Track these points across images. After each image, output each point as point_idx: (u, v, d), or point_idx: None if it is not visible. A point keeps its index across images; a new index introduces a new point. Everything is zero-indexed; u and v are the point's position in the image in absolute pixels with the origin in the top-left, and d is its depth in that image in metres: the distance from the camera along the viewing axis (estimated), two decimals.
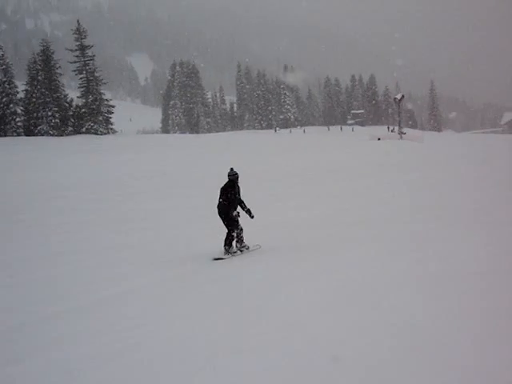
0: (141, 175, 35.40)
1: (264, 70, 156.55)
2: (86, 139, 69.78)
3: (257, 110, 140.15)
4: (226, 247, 12.17)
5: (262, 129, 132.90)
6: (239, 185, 12.50)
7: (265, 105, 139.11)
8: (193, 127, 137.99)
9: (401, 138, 77.38)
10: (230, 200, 12.04)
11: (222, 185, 12.32)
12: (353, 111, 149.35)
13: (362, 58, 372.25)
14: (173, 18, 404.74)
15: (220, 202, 12.13)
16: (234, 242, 12.44)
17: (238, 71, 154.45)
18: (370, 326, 6.65)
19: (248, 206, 12.66)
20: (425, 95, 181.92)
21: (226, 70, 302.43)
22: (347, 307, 7.59)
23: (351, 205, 20.34)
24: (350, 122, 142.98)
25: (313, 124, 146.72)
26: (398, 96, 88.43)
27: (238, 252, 12.45)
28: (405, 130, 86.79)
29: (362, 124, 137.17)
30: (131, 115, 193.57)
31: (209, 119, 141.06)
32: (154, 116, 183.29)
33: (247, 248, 12.65)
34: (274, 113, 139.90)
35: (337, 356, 5.77)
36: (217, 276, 10.68)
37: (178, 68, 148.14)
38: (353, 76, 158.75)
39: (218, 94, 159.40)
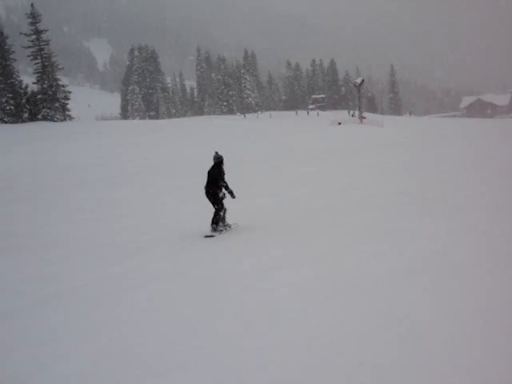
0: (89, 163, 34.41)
1: (224, 55, 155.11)
2: (38, 126, 67.97)
3: (217, 95, 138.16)
4: (214, 225, 13.08)
5: (222, 114, 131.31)
6: (224, 168, 13.23)
7: (225, 90, 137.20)
8: (152, 113, 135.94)
9: (361, 122, 77.13)
10: (215, 181, 12.84)
11: (209, 168, 13.09)
12: (313, 96, 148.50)
13: (324, 44, 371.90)
14: (132, 1, 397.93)
15: (207, 184, 12.88)
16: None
17: (198, 56, 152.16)
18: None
19: (231, 187, 13.31)
20: (385, 80, 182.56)
21: (186, 55, 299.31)
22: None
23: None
24: (310, 106, 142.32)
25: (274, 109, 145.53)
26: (358, 80, 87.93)
27: (224, 230, 13.29)
28: (365, 114, 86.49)
29: (323, 109, 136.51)
30: (90, 101, 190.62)
31: (168, 104, 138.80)
32: (113, 102, 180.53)
33: (230, 226, 13.58)
34: (234, 98, 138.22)
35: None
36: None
37: (136, 53, 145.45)
38: (313, 60, 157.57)
39: (177, 79, 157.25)
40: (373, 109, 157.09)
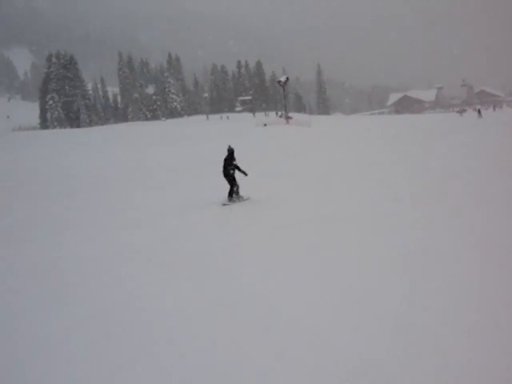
0: None
1: (147, 58, 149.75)
2: None
3: (141, 101, 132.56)
4: (229, 197, 17.13)
5: (147, 120, 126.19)
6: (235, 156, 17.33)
7: (148, 95, 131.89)
8: (73, 121, 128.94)
9: (287, 122, 73.75)
10: (229, 166, 16.95)
11: (224, 156, 17.14)
12: (240, 98, 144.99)
13: (251, 45, 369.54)
14: (54, 9, 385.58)
15: (224, 168, 16.99)
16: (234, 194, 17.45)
17: (120, 61, 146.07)
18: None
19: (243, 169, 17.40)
20: (313, 80, 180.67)
21: (112, 62, 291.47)
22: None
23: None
24: (238, 109, 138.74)
25: (200, 113, 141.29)
26: (283, 79, 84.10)
27: (237, 201, 17.25)
28: (291, 114, 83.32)
29: (250, 110, 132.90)
30: (10, 112, 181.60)
31: (90, 112, 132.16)
32: (33, 112, 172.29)
33: (241, 198, 17.51)
34: (159, 103, 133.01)
35: None
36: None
37: (54, 59, 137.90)
38: (239, 62, 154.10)
39: (99, 86, 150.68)
40: (301, 109, 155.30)
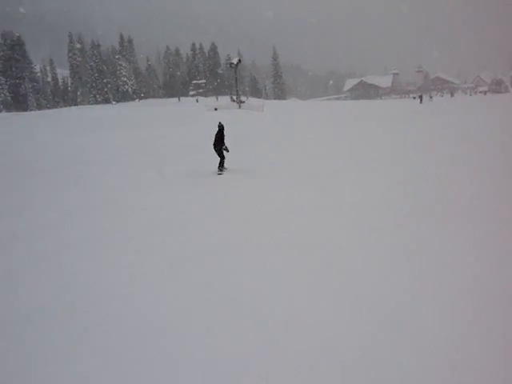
0: None
1: (98, 40, 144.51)
2: None
3: (91, 84, 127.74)
4: (220, 167, 20.05)
5: (97, 103, 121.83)
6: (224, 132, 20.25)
7: (99, 77, 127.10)
8: (20, 105, 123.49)
9: (239, 107, 71.20)
10: (219, 140, 19.99)
11: (216, 132, 20.09)
12: (194, 82, 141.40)
13: (206, 29, 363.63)
14: None
15: (214, 142, 20.06)
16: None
17: (70, 42, 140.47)
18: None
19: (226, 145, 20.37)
20: (269, 64, 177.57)
21: (63, 45, 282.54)
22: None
23: None
24: (191, 93, 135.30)
25: (153, 96, 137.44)
26: (234, 61, 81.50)
27: (225, 170, 20.18)
28: (244, 98, 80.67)
29: (204, 95, 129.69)
30: None
31: (39, 95, 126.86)
32: None
33: (226, 169, 20.31)
34: (109, 85, 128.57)
35: None
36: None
37: (0, 40, 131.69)
38: (193, 44, 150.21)
39: (48, 68, 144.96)
40: (257, 94, 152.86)
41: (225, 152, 20.16)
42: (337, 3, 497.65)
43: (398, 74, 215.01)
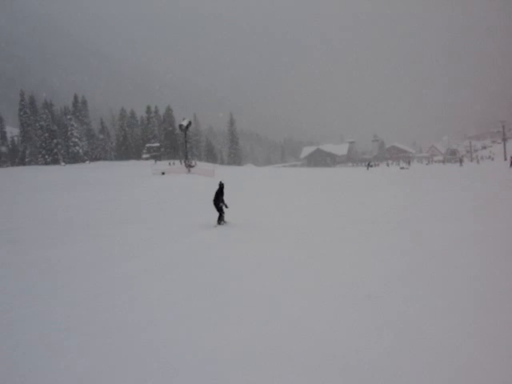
0: None
1: (51, 99, 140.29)
2: None
3: (40, 144, 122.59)
4: (219, 221, 22.65)
5: (46, 164, 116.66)
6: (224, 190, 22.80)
7: (49, 137, 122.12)
8: None
9: (189, 171, 67.20)
10: (219, 198, 22.32)
11: (216, 190, 22.61)
12: (148, 145, 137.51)
13: (161, 91, 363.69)
14: None
15: (214, 199, 22.39)
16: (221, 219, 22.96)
17: (22, 100, 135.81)
18: None
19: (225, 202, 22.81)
20: (225, 130, 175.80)
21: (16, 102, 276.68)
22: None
23: None
24: (145, 156, 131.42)
25: (105, 158, 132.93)
26: (184, 122, 77.79)
27: (223, 223, 22.76)
28: (194, 162, 76.96)
29: (158, 158, 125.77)
30: None
31: None
32: None
33: (225, 222, 22.90)
34: (59, 146, 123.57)
35: None
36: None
37: None
38: (148, 107, 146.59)
39: None
40: (213, 159, 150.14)
41: (223, 207, 22.78)
42: (294, 70, 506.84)
43: (354, 142, 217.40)
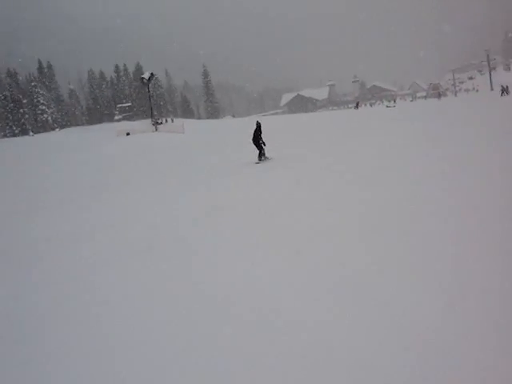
0: None
1: (15, 68, 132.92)
2: None
3: (6, 115, 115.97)
4: (259, 158, 23.73)
5: (14, 135, 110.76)
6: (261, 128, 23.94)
7: (15, 107, 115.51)
8: None
9: (156, 129, 61.86)
10: (257, 135, 23.60)
11: (254, 129, 23.80)
12: (119, 105, 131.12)
13: (130, 48, 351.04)
14: None
15: (253, 136, 23.70)
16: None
17: None
18: None
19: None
20: (200, 84, 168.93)
21: None
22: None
23: None
24: (117, 117, 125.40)
25: (76, 124, 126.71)
26: (146, 75, 71.64)
27: (264, 159, 23.86)
28: (163, 120, 71.54)
29: (130, 118, 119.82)
30: None
31: None
32: None
33: (269, 158, 24.01)
34: (27, 116, 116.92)
35: None
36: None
37: None
38: (116, 66, 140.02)
39: None
40: (189, 114, 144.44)
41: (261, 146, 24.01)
42: (269, 16, 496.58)
43: (334, 85, 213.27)
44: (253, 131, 23.76)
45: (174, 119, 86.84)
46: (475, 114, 34.04)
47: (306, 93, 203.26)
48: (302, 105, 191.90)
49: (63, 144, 56.89)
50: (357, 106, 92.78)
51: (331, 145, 26.31)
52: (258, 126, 23.56)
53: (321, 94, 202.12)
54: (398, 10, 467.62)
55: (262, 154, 23.76)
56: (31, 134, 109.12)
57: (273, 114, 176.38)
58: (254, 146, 24.00)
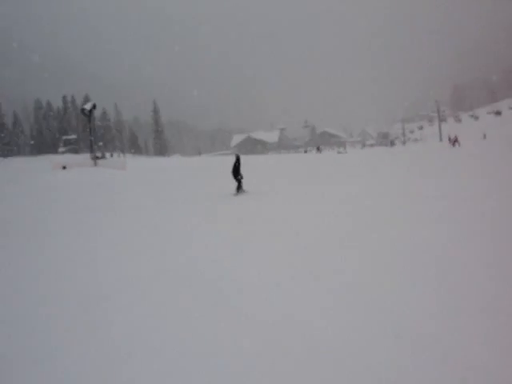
0: None
1: None
2: None
3: None
4: (237, 190, 24.00)
5: None
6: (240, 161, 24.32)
7: None
8: None
9: (95, 164, 58.84)
10: (236, 168, 23.77)
11: (234, 162, 23.96)
12: (65, 137, 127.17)
13: (79, 81, 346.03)
14: None
15: (233, 169, 23.73)
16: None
17: None
18: None
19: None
20: (150, 121, 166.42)
21: None
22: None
23: None
24: (61, 149, 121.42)
25: (18, 154, 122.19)
26: (87, 106, 68.32)
27: (241, 192, 24.16)
28: (103, 154, 68.60)
29: (75, 151, 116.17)
30: None
31: None
32: None
33: (244, 191, 24.28)
34: None
35: None
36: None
37: None
38: (64, 97, 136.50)
39: None
40: (138, 150, 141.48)
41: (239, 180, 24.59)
42: (222, 58, 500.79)
43: (284, 129, 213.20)
44: (233, 165, 24.26)
45: (122, 155, 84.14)
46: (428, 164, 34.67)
47: (256, 135, 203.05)
48: (252, 147, 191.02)
49: None
50: (318, 150, 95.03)
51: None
52: (237, 158, 24.30)
53: (271, 137, 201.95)
54: (349, 59, 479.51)
55: (240, 187, 24.35)
56: None
57: (222, 155, 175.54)
58: (233, 178, 24.46)
